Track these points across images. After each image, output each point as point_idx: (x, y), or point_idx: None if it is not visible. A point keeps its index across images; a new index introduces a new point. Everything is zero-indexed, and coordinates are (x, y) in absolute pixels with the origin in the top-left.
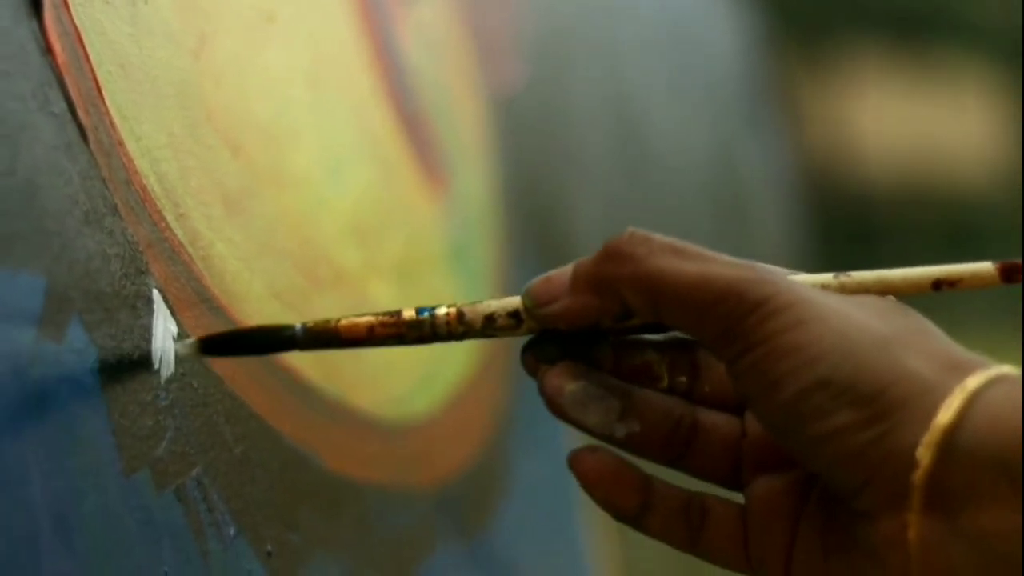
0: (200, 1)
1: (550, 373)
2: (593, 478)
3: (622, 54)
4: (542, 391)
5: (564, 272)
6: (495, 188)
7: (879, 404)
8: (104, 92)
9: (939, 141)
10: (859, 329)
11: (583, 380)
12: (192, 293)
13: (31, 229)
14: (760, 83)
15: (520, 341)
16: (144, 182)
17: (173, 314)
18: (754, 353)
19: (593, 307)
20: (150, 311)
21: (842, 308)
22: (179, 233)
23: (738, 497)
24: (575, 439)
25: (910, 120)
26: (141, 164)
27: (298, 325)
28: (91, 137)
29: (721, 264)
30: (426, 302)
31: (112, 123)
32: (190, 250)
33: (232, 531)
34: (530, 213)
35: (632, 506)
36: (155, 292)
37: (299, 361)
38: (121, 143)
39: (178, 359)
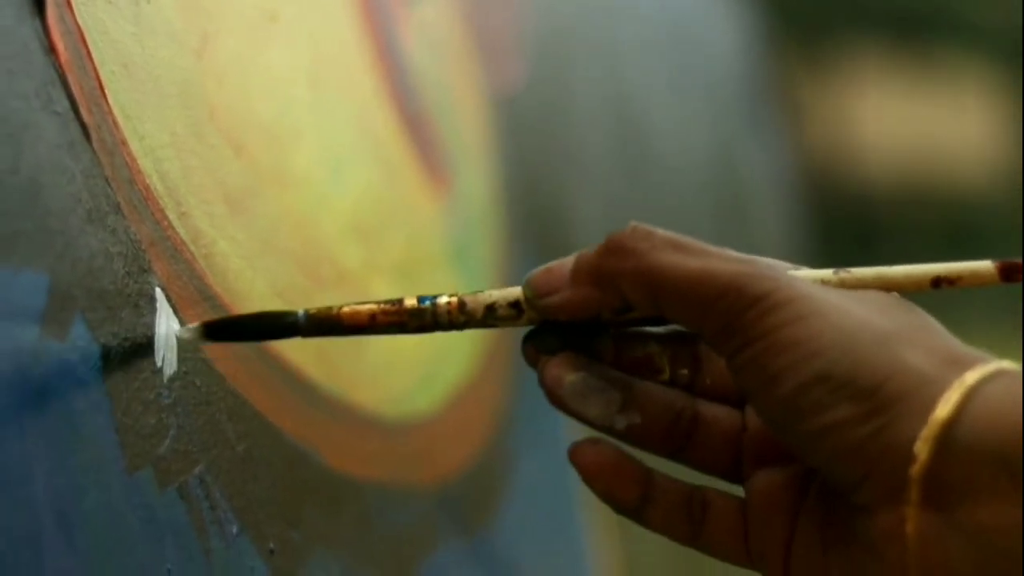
0: (203, 1)
1: (550, 364)
2: (594, 470)
3: (622, 54)
4: (542, 382)
5: (565, 263)
6: (496, 188)
7: (877, 398)
8: (107, 91)
9: (939, 141)
10: (859, 324)
11: (583, 371)
12: (194, 291)
13: (34, 228)
14: (760, 83)
15: (522, 334)
16: (147, 181)
17: (175, 312)
18: (753, 348)
19: (593, 300)
20: (152, 309)
21: (842, 303)
22: (181, 232)
23: (738, 490)
24: (576, 438)
25: (911, 120)
26: (144, 163)
27: (301, 311)
28: (94, 136)
29: (722, 259)
30: None
31: (115, 122)
32: (192, 249)
33: (234, 529)
34: (531, 212)
35: (632, 498)
36: (157, 290)
37: (301, 359)
38: (124, 142)
39: (181, 353)
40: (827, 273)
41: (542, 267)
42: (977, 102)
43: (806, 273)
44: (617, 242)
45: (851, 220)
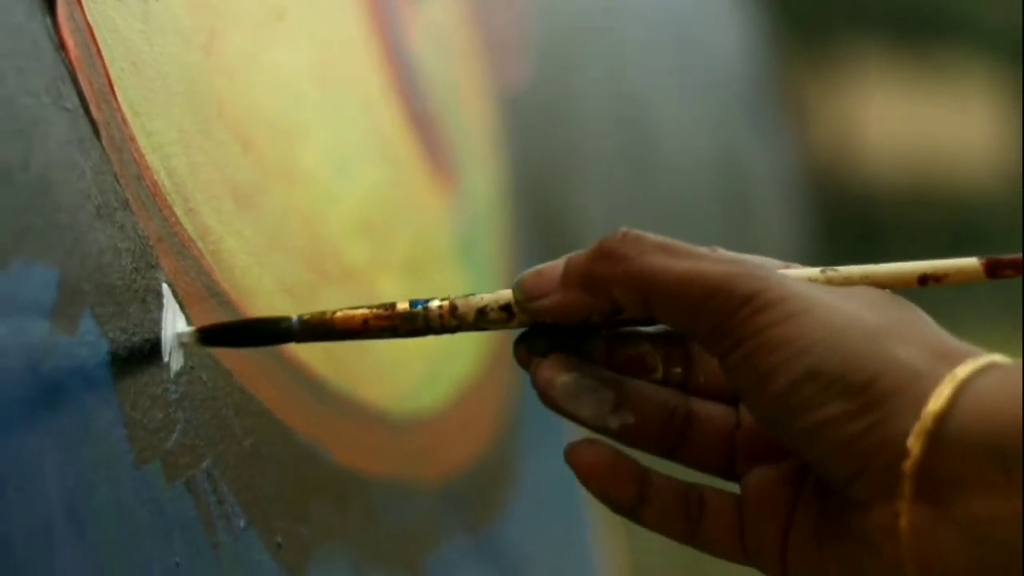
0: None
1: (542, 366)
2: (589, 470)
3: (627, 54)
4: (534, 384)
5: (556, 267)
6: (502, 185)
7: (869, 394)
8: (116, 88)
9: (942, 141)
10: (849, 321)
11: (575, 372)
12: (202, 287)
13: (44, 223)
14: (764, 83)
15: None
16: (155, 177)
17: (183, 308)
18: (745, 347)
19: (584, 304)
20: (160, 305)
21: (832, 301)
22: (189, 228)
23: (734, 488)
24: (583, 432)
25: (914, 120)
26: (152, 159)
27: (294, 317)
28: (103, 132)
29: (711, 260)
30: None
31: (124, 119)
32: (200, 245)
33: (242, 523)
34: (536, 210)
35: (628, 497)
36: (165, 286)
37: (308, 355)
38: (132, 138)
39: (184, 349)
40: (814, 272)
41: (532, 270)
42: (980, 102)
43: (794, 272)
44: (607, 247)
45: (855, 219)
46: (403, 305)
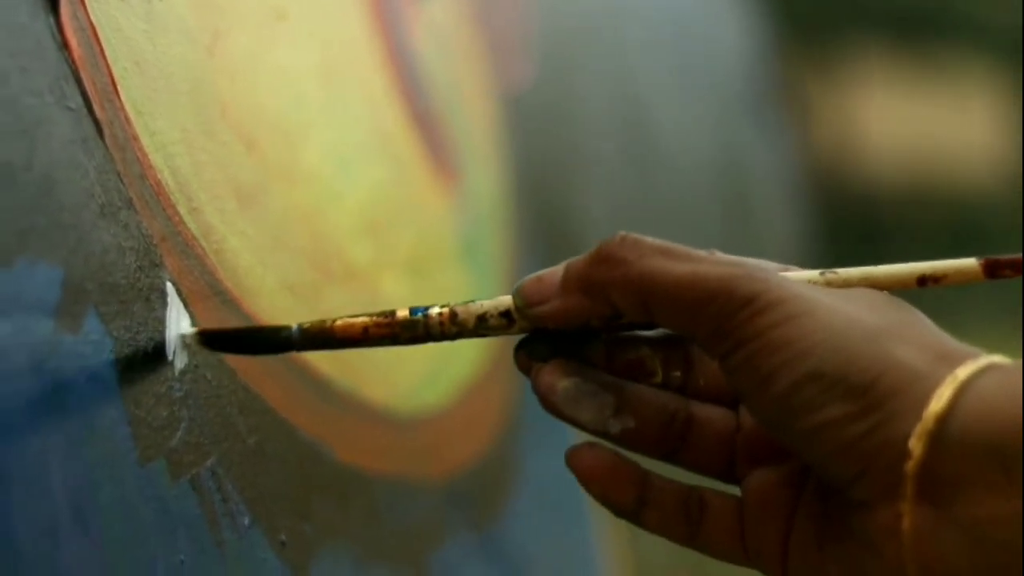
0: None
1: (542, 371)
2: (590, 474)
3: (629, 53)
4: (535, 389)
5: (555, 272)
6: (504, 185)
7: (870, 395)
8: (119, 87)
9: (944, 140)
10: (849, 322)
11: (575, 377)
12: (205, 286)
13: (48, 222)
14: (766, 83)
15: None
16: (158, 176)
17: (186, 307)
18: (745, 349)
19: (583, 308)
20: (164, 304)
21: (832, 302)
22: (192, 227)
23: (734, 490)
24: (584, 435)
25: (915, 119)
26: (155, 159)
27: (294, 326)
28: (106, 132)
29: (710, 263)
30: (437, 297)
31: (127, 118)
32: (203, 244)
33: (246, 521)
34: (539, 209)
35: (629, 501)
36: (169, 285)
37: (312, 354)
38: (136, 138)
39: (188, 349)
40: (813, 274)
41: (532, 276)
42: (980, 102)
43: (793, 274)
44: (606, 251)
45: (857, 219)
46: (403, 312)
